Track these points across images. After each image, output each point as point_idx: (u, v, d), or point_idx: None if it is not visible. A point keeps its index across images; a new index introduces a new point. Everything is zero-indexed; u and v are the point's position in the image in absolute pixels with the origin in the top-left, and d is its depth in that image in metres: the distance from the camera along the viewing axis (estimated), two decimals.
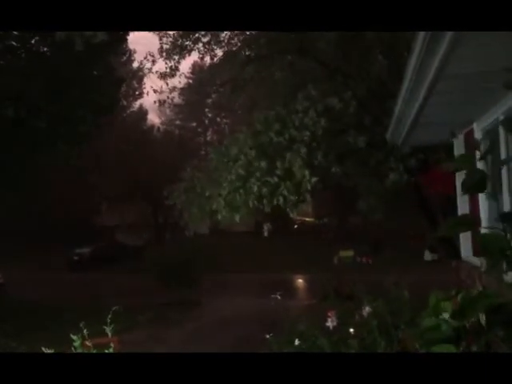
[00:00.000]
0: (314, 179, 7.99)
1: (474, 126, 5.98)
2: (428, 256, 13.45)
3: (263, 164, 8.24)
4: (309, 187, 8.04)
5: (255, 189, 8.24)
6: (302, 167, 8.03)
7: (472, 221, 2.09)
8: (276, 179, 8.20)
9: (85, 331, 4.33)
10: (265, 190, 8.23)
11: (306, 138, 8.28)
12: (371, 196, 9.67)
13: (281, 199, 8.17)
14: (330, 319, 5.37)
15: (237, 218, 8.59)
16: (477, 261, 5.40)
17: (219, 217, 8.80)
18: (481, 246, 1.81)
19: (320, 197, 25.83)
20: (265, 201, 8.28)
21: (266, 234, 8.91)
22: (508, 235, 1.75)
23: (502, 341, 1.79)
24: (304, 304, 12.50)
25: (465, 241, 6.75)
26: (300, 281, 20.61)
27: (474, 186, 1.91)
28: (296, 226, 34.98)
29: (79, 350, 4.35)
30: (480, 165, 1.98)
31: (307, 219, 36.26)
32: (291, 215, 9.29)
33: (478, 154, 2.03)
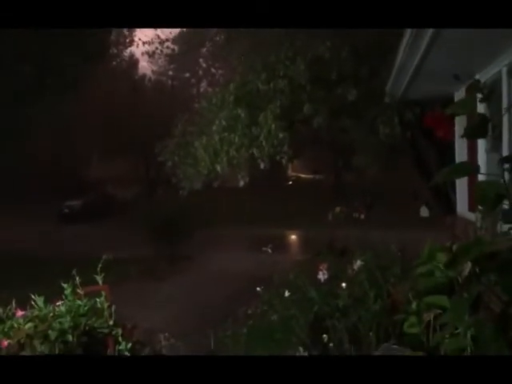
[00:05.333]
0: (280, 135, 7.90)
1: (477, 78, 5.82)
2: (425, 212, 13.48)
3: (241, 112, 8.18)
4: (275, 142, 7.98)
5: (236, 139, 8.25)
6: (271, 120, 7.94)
7: (470, 167, 1.99)
8: (258, 129, 8.13)
9: (76, 279, 4.33)
10: (245, 140, 8.26)
11: (287, 88, 8.13)
12: (367, 150, 9.55)
13: (255, 150, 8.14)
14: (321, 272, 5.38)
15: (218, 168, 8.57)
16: (472, 216, 5.36)
17: (204, 170, 8.82)
18: (476, 193, 1.73)
19: (316, 152, 25.71)
20: (243, 150, 8.29)
21: (241, 183, 9.07)
22: (506, 181, 1.67)
23: (494, 284, 1.73)
24: (297, 259, 12.59)
25: (461, 196, 6.71)
26: (293, 237, 20.74)
27: (476, 131, 1.83)
28: (291, 182, 34.91)
29: (70, 298, 4.36)
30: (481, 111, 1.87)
31: (302, 175, 36.19)
32: (287, 170, 9.40)
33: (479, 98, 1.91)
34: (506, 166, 1.74)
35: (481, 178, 1.91)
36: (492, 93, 1.74)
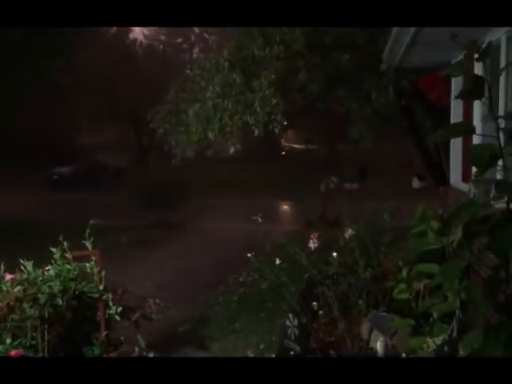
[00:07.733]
0: (274, 100, 7.86)
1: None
2: (416, 183, 13.52)
3: (236, 77, 8.07)
4: (269, 108, 7.99)
5: (230, 105, 8.20)
6: (265, 86, 7.91)
7: (466, 127, 1.93)
8: (253, 96, 8.08)
9: (65, 244, 4.29)
10: (239, 106, 8.24)
11: (283, 54, 8.04)
12: (362, 122, 9.47)
13: (248, 117, 8.10)
14: (312, 240, 5.36)
15: (210, 134, 8.56)
16: (465, 187, 5.35)
17: (195, 136, 8.77)
18: (471, 154, 1.69)
19: (309, 122, 25.57)
20: (236, 117, 8.21)
21: (232, 150, 9.08)
22: (501, 142, 1.62)
23: (485, 249, 1.68)
24: (288, 229, 12.63)
25: (454, 167, 6.70)
26: (285, 207, 20.76)
27: (472, 91, 1.76)
28: (284, 153, 34.79)
29: (59, 263, 4.33)
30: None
31: (296, 146, 36.06)
32: (281, 140, 9.37)
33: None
34: (502, 125, 1.70)
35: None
36: (488, 52, 1.67)
